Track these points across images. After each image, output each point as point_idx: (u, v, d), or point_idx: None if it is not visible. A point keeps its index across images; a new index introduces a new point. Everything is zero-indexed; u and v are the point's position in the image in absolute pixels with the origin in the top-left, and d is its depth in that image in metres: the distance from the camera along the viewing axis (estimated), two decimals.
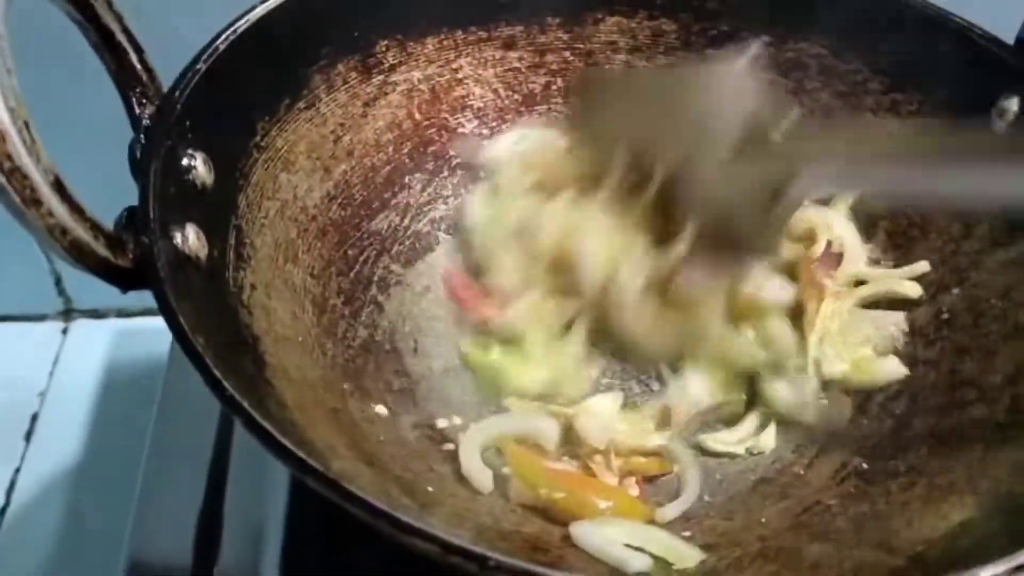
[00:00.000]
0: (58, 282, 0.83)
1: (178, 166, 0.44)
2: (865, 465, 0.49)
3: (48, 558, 0.70)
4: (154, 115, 0.46)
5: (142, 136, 0.45)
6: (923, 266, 0.56)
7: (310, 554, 0.53)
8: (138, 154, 0.44)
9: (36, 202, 0.35)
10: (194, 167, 0.45)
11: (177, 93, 0.46)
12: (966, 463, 0.46)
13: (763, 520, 0.47)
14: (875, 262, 0.58)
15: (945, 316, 0.54)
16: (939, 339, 0.54)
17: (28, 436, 0.78)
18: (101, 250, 0.38)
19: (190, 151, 0.45)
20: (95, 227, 0.38)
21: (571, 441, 0.50)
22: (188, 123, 0.45)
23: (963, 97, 0.56)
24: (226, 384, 0.34)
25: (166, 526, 0.55)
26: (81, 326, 0.86)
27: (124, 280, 0.39)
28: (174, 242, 0.41)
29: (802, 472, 0.50)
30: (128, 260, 0.39)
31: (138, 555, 0.54)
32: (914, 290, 0.56)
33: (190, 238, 0.42)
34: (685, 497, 0.47)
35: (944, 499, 0.44)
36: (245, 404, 0.34)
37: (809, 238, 0.56)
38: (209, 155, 0.46)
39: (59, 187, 0.36)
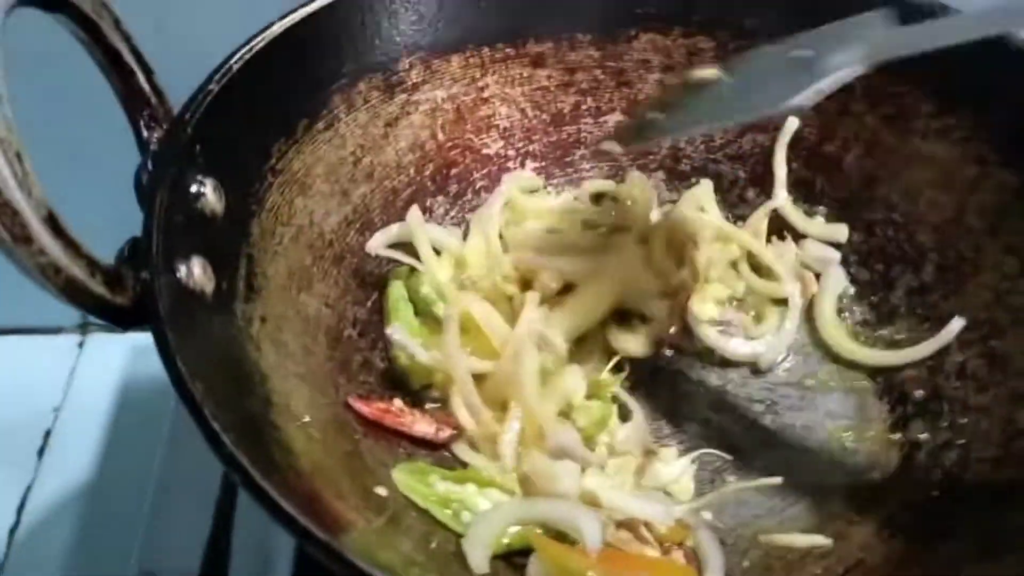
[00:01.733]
0: None
1: (186, 193, 0.42)
2: (913, 521, 0.46)
3: None
4: (163, 139, 0.44)
5: (149, 161, 0.43)
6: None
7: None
8: (144, 180, 0.42)
9: (26, 239, 0.33)
10: (203, 194, 0.43)
11: (188, 116, 0.43)
12: None
13: None
14: None
15: (998, 359, 0.51)
16: (992, 384, 0.50)
17: (40, 453, 0.76)
18: (97, 288, 0.35)
19: (199, 177, 0.43)
20: (91, 264, 0.35)
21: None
22: (199, 147, 0.43)
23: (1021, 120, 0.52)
24: (224, 439, 0.32)
25: (175, 547, 0.54)
26: (97, 339, 0.84)
27: (122, 319, 0.37)
28: (178, 276, 0.39)
29: (845, 528, 0.47)
30: (127, 297, 0.37)
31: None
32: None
33: (195, 271, 0.40)
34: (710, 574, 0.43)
35: (1001, 558, 0.41)
36: (244, 462, 0.31)
37: None
38: (220, 181, 0.44)
39: (52, 222, 0.34)
